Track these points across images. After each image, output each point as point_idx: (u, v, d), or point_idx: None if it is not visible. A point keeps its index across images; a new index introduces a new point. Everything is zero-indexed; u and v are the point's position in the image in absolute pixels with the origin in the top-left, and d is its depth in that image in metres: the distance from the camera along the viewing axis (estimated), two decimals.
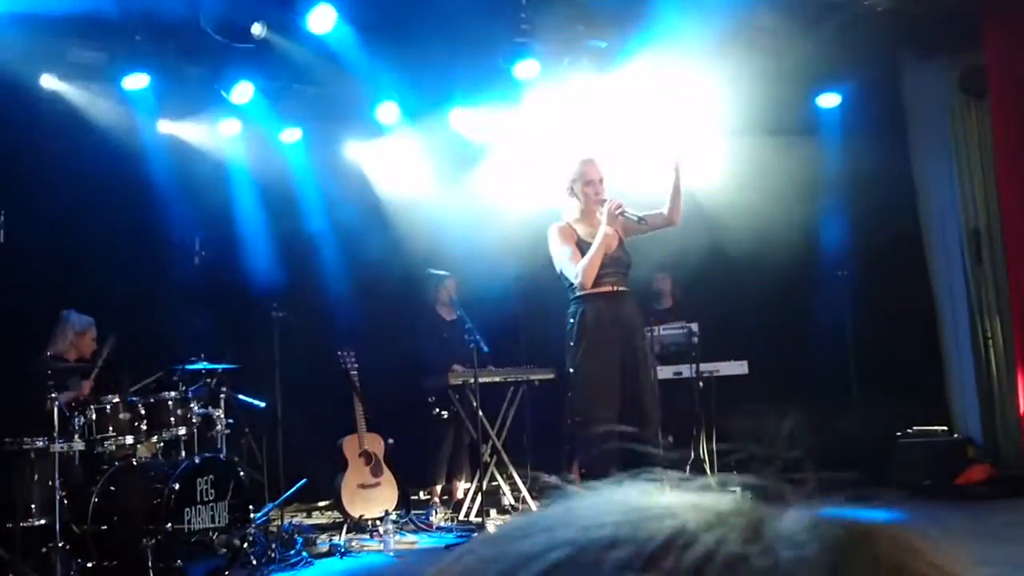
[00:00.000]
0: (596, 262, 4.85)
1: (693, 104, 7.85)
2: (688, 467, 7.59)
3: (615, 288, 4.92)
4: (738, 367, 7.44)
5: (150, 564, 5.16)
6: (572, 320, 4.90)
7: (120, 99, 7.10)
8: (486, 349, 6.74)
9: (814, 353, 8.29)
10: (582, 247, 4.96)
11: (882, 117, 8.07)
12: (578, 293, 4.92)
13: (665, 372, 7.64)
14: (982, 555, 5.02)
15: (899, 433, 7.64)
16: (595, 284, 4.87)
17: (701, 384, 7.52)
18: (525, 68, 7.43)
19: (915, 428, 7.63)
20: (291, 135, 8.18)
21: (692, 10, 6.59)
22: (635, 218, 4.96)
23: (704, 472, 7.49)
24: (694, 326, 7.68)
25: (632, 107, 7.94)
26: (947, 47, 7.68)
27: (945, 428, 7.65)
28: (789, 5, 7.12)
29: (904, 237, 8.05)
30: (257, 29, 5.75)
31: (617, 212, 4.87)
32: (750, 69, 7.63)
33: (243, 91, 7.27)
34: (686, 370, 7.59)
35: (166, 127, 7.70)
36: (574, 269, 4.86)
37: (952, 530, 5.98)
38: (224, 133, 7.87)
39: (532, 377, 7.63)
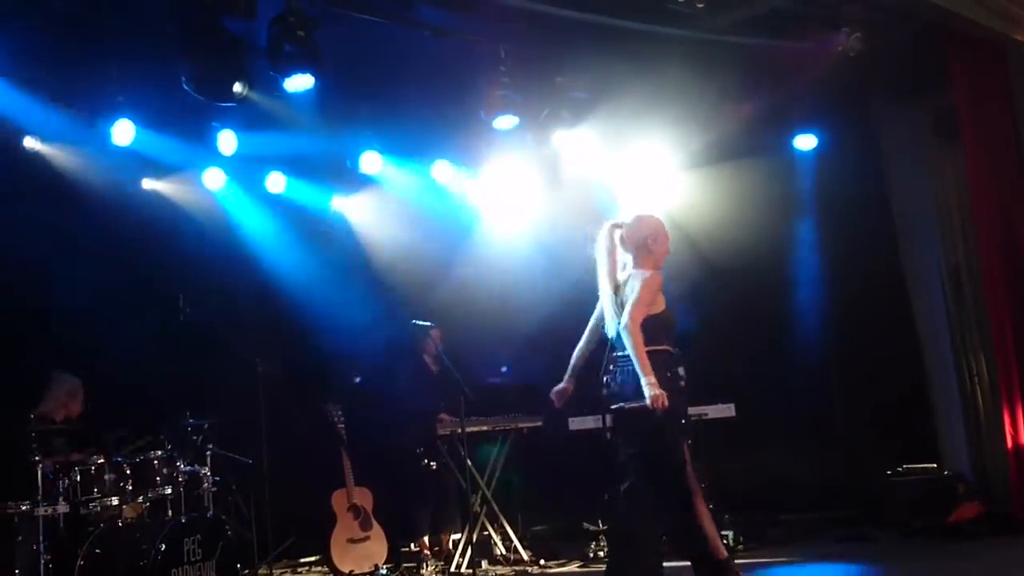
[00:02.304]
0: (645, 313, 5.05)
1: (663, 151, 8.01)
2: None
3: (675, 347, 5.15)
4: (725, 410, 7.43)
5: None
6: (668, 374, 5.01)
7: (104, 158, 7.12)
8: (471, 396, 6.71)
9: (800, 394, 8.31)
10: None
11: (859, 159, 8.18)
12: (665, 347, 5.05)
13: None
14: None
15: (889, 471, 7.63)
16: (672, 343, 5.12)
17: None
18: (504, 119, 7.51)
19: (905, 466, 7.63)
20: (275, 185, 8.22)
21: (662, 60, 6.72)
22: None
23: None
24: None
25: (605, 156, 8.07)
26: (919, 90, 7.82)
27: (935, 466, 7.64)
28: (765, 53, 7.24)
29: (886, 277, 8.12)
30: (238, 87, 5.82)
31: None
32: (727, 113, 7.78)
33: (227, 145, 7.31)
34: None
35: (150, 184, 7.73)
36: (638, 312, 4.99)
37: (947, 571, 5.97)
38: (208, 187, 7.89)
39: (520, 425, 7.60)
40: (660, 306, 5.04)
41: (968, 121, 7.44)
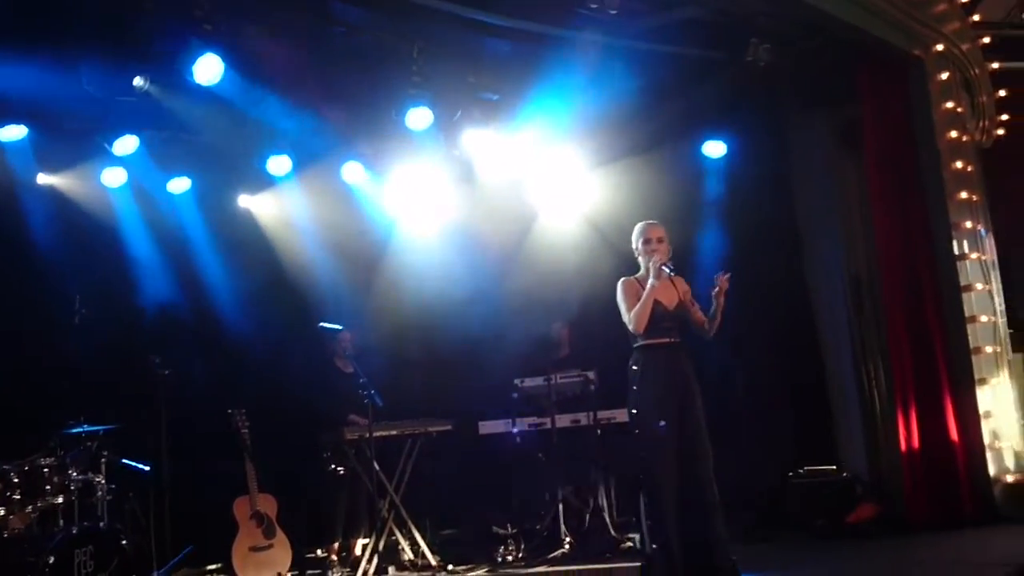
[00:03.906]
0: (645, 310, 5.34)
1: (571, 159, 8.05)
2: (587, 515, 7.60)
3: (672, 340, 5.40)
4: (623, 413, 7.49)
5: None
6: (635, 367, 5.40)
7: None
8: (380, 403, 6.63)
9: (703, 397, 8.43)
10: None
11: (766, 167, 8.34)
12: (639, 343, 5.41)
13: (563, 420, 7.66)
14: None
15: (790, 473, 7.81)
16: (655, 336, 5.36)
17: (599, 431, 7.55)
18: (417, 118, 7.43)
19: (805, 468, 7.82)
20: (179, 185, 7.97)
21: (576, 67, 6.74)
22: (669, 272, 5.37)
23: (605, 519, 7.50)
24: (591, 374, 7.73)
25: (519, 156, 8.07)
26: (826, 101, 8.02)
27: (834, 468, 7.85)
28: (676, 60, 7.33)
29: (790, 282, 8.29)
30: (139, 82, 5.61)
31: (659, 267, 5.35)
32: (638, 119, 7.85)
33: (126, 144, 7.06)
34: (584, 418, 7.61)
35: (44, 179, 7.41)
36: (628, 316, 5.40)
37: (847, 571, 6.13)
38: (108, 184, 7.60)
39: (429, 429, 7.54)
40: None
41: (871, 132, 7.67)
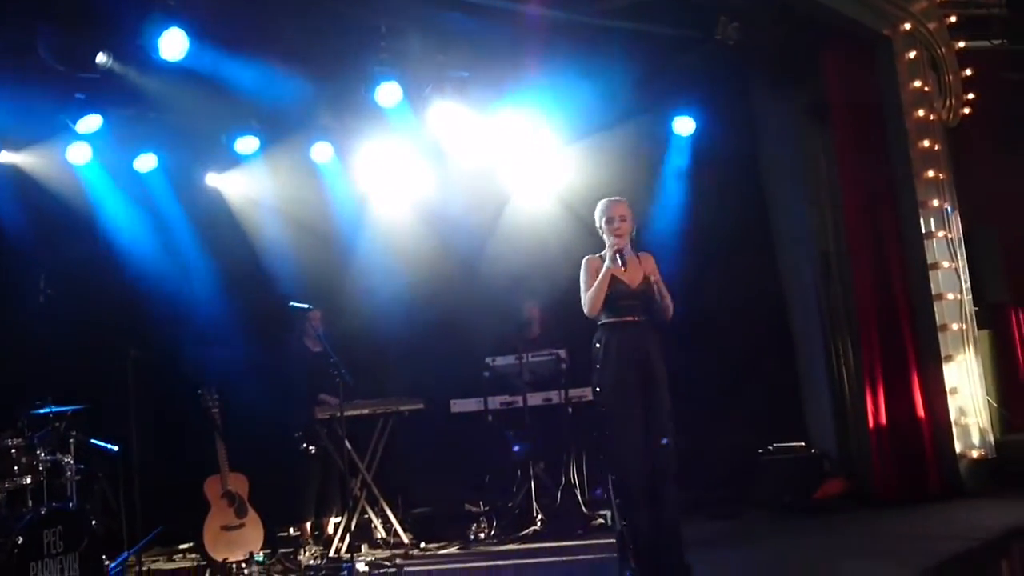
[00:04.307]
0: (599, 293, 5.25)
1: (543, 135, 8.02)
2: (559, 493, 7.65)
3: (634, 319, 5.28)
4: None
5: None
6: (598, 345, 5.31)
7: None
8: (349, 380, 6.61)
9: (675, 375, 8.47)
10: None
11: (736, 145, 8.37)
12: (602, 321, 5.31)
13: (535, 399, 7.69)
14: (841, 567, 5.23)
15: (759, 450, 7.89)
16: (617, 314, 5.27)
17: (571, 410, 7.59)
18: (386, 93, 7.37)
19: (775, 445, 7.90)
20: (146, 164, 7.86)
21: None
22: (620, 263, 5.24)
23: (576, 497, 7.55)
24: (562, 352, 7.76)
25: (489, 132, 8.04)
26: (796, 80, 8.04)
27: (803, 444, 7.94)
28: (647, 38, 7.32)
29: (760, 260, 8.34)
30: (101, 58, 5.51)
31: (614, 252, 5.25)
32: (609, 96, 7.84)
33: (90, 122, 6.96)
34: (555, 396, 7.64)
35: (6, 157, 7.29)
36: (584, 297, 5.33)
37: (813, 545, 6.22)
38: (73, 161, 7.48)
39: (401, 408, 7.54)
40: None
41: (839, 111, 7.71)
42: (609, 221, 5.34)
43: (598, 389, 5.34)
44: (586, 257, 5.45)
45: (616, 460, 5.22)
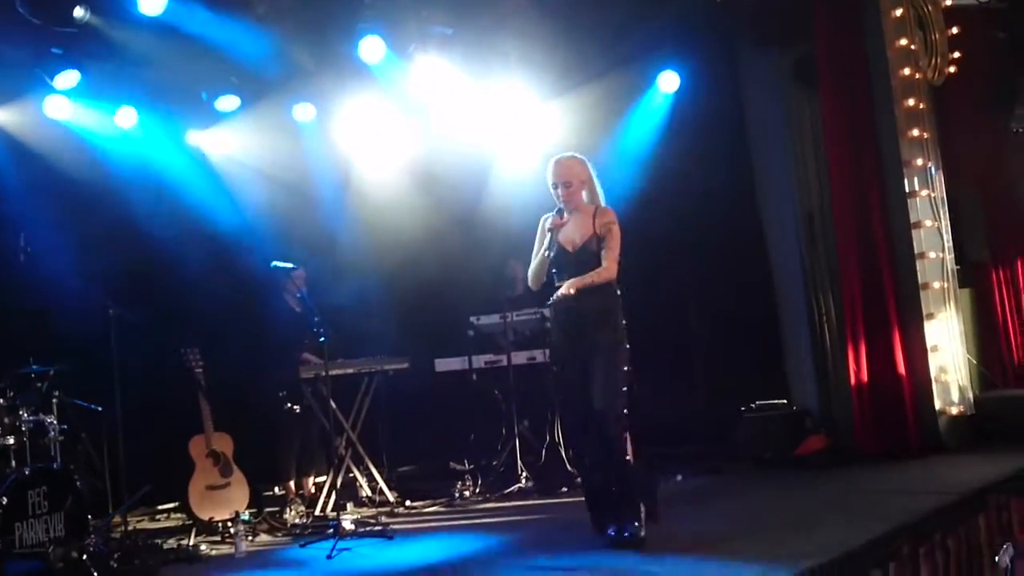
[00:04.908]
0: (538, 270, 5.18)
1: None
2: (544, 450, 7.70)
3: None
4: None
5: None
6: (549, 306, 5.23)
7: None
8: (333, 339, 6.58)
9: (660, 333, 8.52)
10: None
11: (721, 103, 8.33)
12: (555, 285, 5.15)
13: (519, 357, 7.70)
14: (820, 520, 5.31)
15: (742, 407, 7.96)
16: (560, 278, 5.10)
17: (555, 368, 7.60)
18: (369, 49, 7.27)
19: (757, 402, 7.97)
20: (125, 120, 7.73)
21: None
22: (548, 241, 5.11)
23: (561, 455, 7.60)
24: (547, 311, 7.74)
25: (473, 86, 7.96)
26: (782, 38, 7.99)
27: (784, 401, 8.01)
28: None
29: (744, 218, 8.35)
30: (79, 12, 5.40)
31: (546, 230, 5.12)
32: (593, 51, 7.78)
33: (68, 78, 6.83)
34: (539, 355, 7.66)
35: None
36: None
37: (793, 498, 6.30)
38: (51, 117, 7.35)
39: (386, 367, 7.54)
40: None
41: (825, 69, 7.68)
42: (554, 187, 5.13)
43: (548, 350, 5.27)
44: (543, 217, 5.20)
45: (560, 419, 5.24)
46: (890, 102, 7.57)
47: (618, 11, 7.45)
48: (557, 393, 5.18)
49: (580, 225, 5.13)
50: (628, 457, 5.04)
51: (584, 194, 5.21)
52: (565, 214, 5.13)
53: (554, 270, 5.16)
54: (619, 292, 5.15)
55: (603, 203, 5.21)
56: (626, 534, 4.98)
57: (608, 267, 5.04)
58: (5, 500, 5.07)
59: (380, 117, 8.37)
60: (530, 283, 5.26)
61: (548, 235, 5.12)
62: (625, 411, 5.01)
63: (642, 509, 5.03)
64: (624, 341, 5.09)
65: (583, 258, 5.07)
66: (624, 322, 5.12)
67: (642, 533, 4.97)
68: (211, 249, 7.92)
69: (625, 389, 5.03)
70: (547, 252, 5.11)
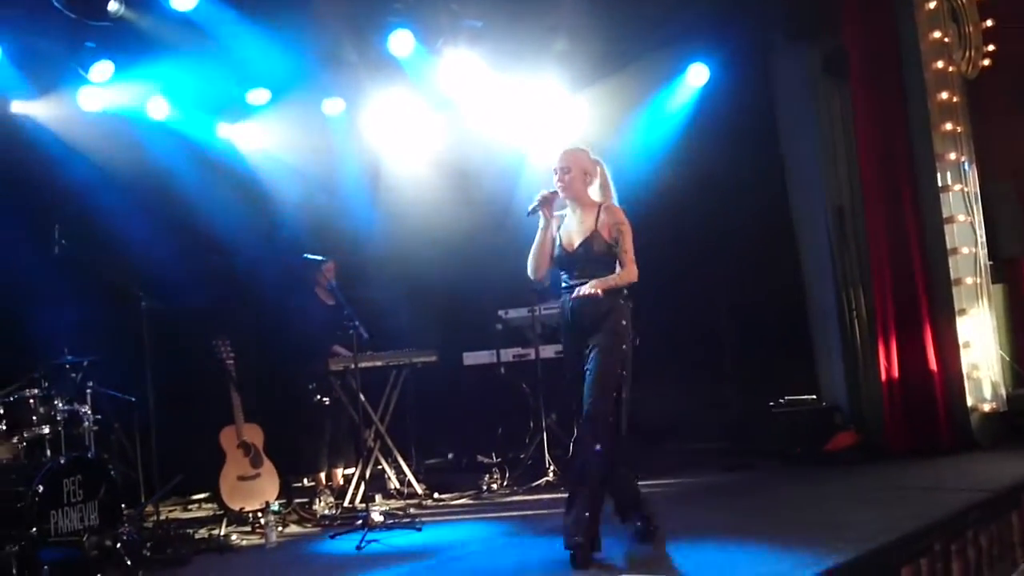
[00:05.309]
0: (537, 261, 4.99)
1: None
2: (571, 443, 7.68)
3: (576, 282, 4.89)
4: None
5: (14, 571, 4.90)
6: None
7: None
8: (365, 335, 6.62)
9: (690, 328, 8.50)
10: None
11: (750, 96, 8.28)
12: (562, 285, 5.01)
13: (547, 351, 7.70)
14: (851, 516, 5.27)
15: (771, 403, 7.92)
16: (566, 279, 4.95)
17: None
18: (399, 43, 7.29)
19: (786, 398, 7.93)
20: (158, 113, 7.81)
21: None
22: (533, 212, 4.93)
23: None
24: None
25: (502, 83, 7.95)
26: (813, 31, 7.93)
27: (814, 397, 7.97)
28: None
29: (774, 213, 8.30)
30: (113, 6, 5.45)
31: (530, 208, 4.93)
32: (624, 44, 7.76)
33: (102, 70, 6.90)
34: None
35: (19, 107, 7.25)
36: None
37: (823, 494, 6.26)
38: (85, 110, 7.43)
39: (414, 360, 7.57)
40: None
41: (856, 62, 7.61)
42: (554, 172, 4.97)
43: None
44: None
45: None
46: (923, 95, 7.50)
47: (648, 4, 7.42)
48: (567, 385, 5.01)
49: (581, 222, 4.95)
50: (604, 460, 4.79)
51: (592, 190, 5.02)
52: (561, 198, 4.95)
53: (560, 269, 5.00)
54: (626, 293, 4.96)
55: (615, 202, 5.00)
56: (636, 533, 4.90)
57: (629, 269, 4.88)
58: (41, 488, 5.13)
59: (410, 111, 8.39)
60: (529, 272, 5.04)
61: (541, 216, 4.91)
62: (611, 418, 4.78)
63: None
64: (622, 344, 4.83)
65: (585, 256, 4.90)
66: (626, 323, 4.89)
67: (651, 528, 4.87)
68: (243, 241, 7.98)
69: (616, 395, 4.80)
70: (552, 240, 4.96)
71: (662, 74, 8.38)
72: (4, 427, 5.53)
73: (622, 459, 4.93)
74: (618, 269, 4.90)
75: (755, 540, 4.90)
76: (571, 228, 4.96)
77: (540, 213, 4.92)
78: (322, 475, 7.50)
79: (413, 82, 7.96)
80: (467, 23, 7.40)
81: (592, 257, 4.88)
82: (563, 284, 5.00)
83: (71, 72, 7.00)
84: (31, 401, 5.66)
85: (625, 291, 4.95)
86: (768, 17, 7.95)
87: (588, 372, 4.80)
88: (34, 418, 5.66)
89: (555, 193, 4.95)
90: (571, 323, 4.92)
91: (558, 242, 4.97)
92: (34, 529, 5.04)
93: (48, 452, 5.71)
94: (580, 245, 4.88)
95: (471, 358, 8.01)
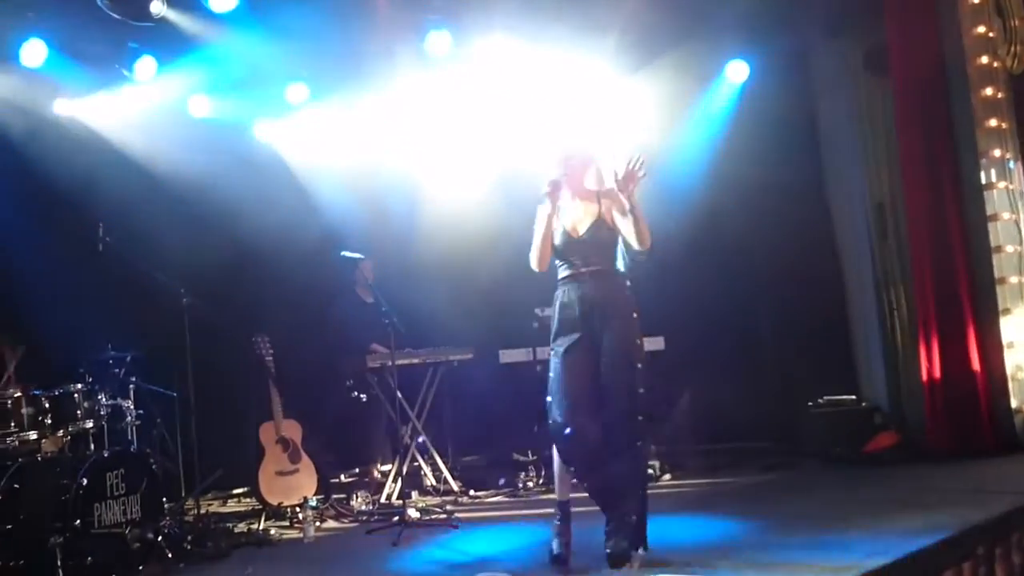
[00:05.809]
0: (540, 251, 4.90)
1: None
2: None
3: (581, 271, 4.86)
4: (654, 343, 7.51)
5: (59, 563, 4.99)
6: (555, 303, 4.94)
7: (13, 80, 6.78)
8: (401, 329, 6.66)
9: (728, 328, 8.44)
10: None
11: (790, 93, 8.20)
12: (557, 276, 4.95)
13: None
14: (892, 518, 5.22)
15: (811, 403, 7.85)
16: (566, 267, 4.90)
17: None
18: (437, 42, 7.31)
19: (825, 398, 7.85)
20: (200, 108, 7.89)
21: None
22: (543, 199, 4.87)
23: None
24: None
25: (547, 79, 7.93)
26: (854, 26, 7.84)
27: (854, 397, 7.88)
28: None
29: (813, 210, 8.22)
30: (156, 7, 5.54)
31: (545, 189, 4.84)
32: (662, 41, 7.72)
33: (146, 68, 7.00)
34: None
35: (63, 106, 7.37)
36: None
37: (863, 495, 6.20)
38: (127, 110, 7.54)
39: (451, 358, 7.60)
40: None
41: (898, 57, 7.51)
42: (557, 159, 4.95)
43: (551, 350, 4.91)
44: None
45: (553, 428, 4.76)
46: (966, 91, 7.37)
47: (688, 1, 7.37)
48: (555, 391, 4.80)
49: (585, 208, 4.91)
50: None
51: (589, 179, 4.98)
52: (563, 187, 4.90)
53: (560, 258, 4.93)
54: (628, 283, 4.92)
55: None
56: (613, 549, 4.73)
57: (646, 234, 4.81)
58: (85, 481, 5.21)
59: (446, 108, 8.39)
60: (533, 264, 4.95)
61: (548, 203, 4.84)
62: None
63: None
64: (637, 337, 4.80)
65: (591, 241, 4.85)
66: (636, 315, 4.84)
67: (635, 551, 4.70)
68: (281, 238, 8.04)
69: (641, 391, 4.71)
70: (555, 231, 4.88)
71: (701, 70, 8.31)
72: (50, 421, 5.62)
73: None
74: (619, 256, 4.89)
75: (791, 542, 4.87)
76: (574, 215, 4.92)
77: (548, 200, 4.87)
78: (359, 471, 7.55)
79: (451, 79, 7.96)
80: (502, 21, 7.39)
81: (598, 242, 4.86)
82: (563, 275, 4.93)
83: (115, 72, 7.11)
84: (76, 396, 5.75)
85: (629, 282, 4.93)
86: (808, 14, 7.86)
87: (609, 366, 4.71)
88: (79, 412, 5.75)
89: (560, 181, 4.91)
90: (582, 312, 4.78)
91: (561, 229, 4.93)
92: (78, 521, 5.12)
93: (92, 446, 5.81)
94: (587, 231, 4.87)
95: (507, 356, 8.00)
